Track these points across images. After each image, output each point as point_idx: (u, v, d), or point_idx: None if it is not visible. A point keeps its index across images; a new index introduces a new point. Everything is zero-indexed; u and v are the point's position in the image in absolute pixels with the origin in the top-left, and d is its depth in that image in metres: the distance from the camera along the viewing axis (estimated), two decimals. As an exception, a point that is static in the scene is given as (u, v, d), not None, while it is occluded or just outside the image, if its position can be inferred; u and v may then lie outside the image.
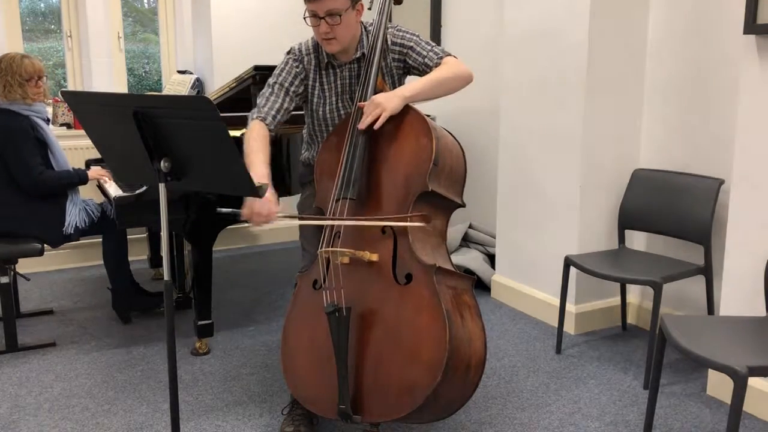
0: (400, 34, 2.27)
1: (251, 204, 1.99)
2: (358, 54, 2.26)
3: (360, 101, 2.18)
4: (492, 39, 4.03)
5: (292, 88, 2.27)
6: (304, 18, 2.18)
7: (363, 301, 2.05)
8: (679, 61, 3.03)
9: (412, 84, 2.13)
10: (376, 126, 2.06)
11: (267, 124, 2.21)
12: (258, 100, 2.27)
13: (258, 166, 2.07)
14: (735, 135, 2.50)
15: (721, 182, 2.83)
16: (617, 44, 3.10)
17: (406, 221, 2.01)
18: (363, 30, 2.27)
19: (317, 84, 2.30)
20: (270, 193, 2.02)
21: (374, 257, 2.05)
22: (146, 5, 5.11)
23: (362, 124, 2.08)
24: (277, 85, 2.27)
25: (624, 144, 3.22)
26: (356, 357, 2.03)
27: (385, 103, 2.05)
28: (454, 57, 2.24)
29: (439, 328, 1.91)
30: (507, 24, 3.49)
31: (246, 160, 2.09)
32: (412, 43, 2.25)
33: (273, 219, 2.02)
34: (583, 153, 3.13)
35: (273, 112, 2.23)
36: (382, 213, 2.09)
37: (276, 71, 2.30)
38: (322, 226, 2.15)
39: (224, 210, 1.99)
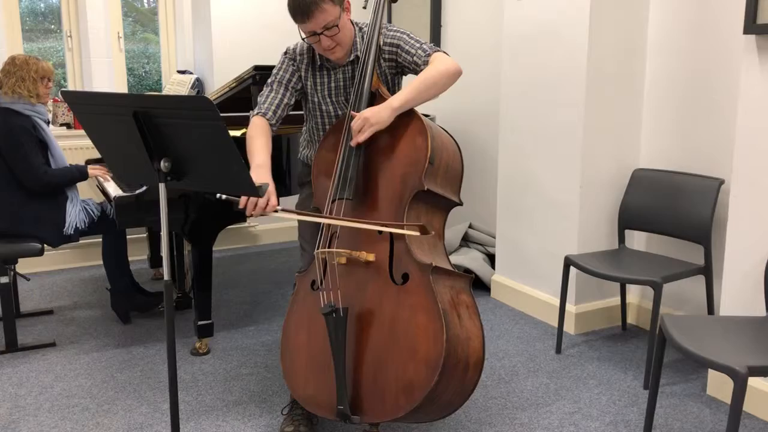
0: (390, 33, 2.25)
1: None
2: (352, 57, 2.24)
3: (355, 104, 2.17)
4: (492, 39, 4.03)
5: (291, 84, 2.29)
6: (303, 39, 2.19)
7: (360, 302, 2.05)
8: (680, 61, 3.03)
9: (401, 93, 2.11)
10: (363, 139, 2.06)
11: (268, 119, 2.23)
12: (258, 100, 2.29)
13: (258, 153, 2.11)
14: (735, 135, 2.50)
15: (721, 182, 2.83)
16: (617, 44, 3.10)
17: (402, 229, 2.00)
18: (357, 31, 2.27)
19: (310, 84, 2.30)
20: (270, 186, 2.03)
21: (371, 257, 2.05)
22: (146, 5, 5.11)
23: (354, 143, 2.08)
24: (275, 83, 2.29)
25: (624, 144, 3.22)
26: (354, 358, 2.03)
27: (372, 118, 2.05)
28: (443, 52, 2.21)
29: (437, 328, 1.90)
30: (507, 24, 3.49)
31: (247, 149, 2.15)
32: (401, 42, 2.23)
33: (270, 212, 2.02)
34: (583, 153, 3.13)
35: (273, 107, 2.25)
36: (379, 212, 2.09)
37: (274, 71, 2.32)
38: (320, 227, 2.16)
39: (224, 197, 1.99)
